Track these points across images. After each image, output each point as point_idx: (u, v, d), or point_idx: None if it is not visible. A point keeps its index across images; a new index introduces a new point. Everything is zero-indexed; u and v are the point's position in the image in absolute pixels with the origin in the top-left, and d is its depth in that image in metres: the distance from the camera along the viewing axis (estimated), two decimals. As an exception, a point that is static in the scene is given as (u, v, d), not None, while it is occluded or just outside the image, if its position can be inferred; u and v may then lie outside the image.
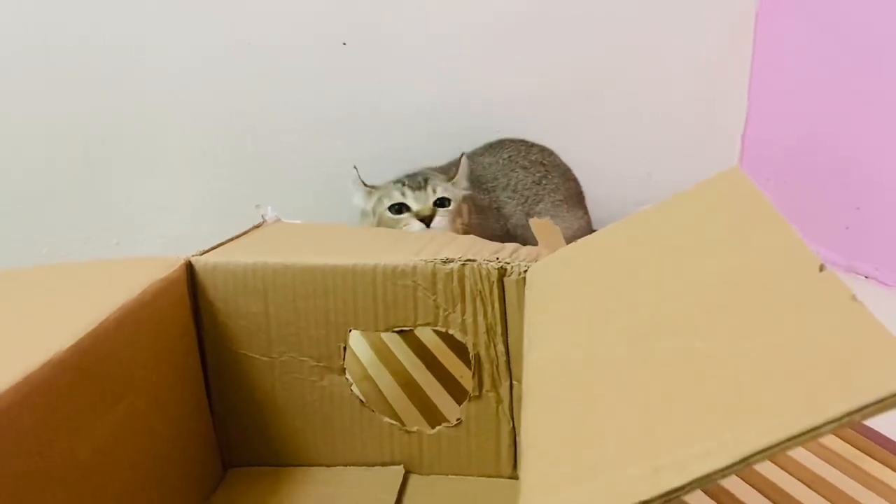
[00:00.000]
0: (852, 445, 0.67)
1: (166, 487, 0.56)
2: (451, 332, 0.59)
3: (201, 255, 0.60)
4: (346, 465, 0.63)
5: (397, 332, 0.74)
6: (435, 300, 0.58)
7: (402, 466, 0.62)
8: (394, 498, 0.59)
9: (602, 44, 1.12)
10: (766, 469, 0.65)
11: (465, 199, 0.92)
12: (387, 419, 0.62)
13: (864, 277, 1.05)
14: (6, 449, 0.39)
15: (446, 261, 0.57)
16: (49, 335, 0.44)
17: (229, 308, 0.60)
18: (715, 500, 0.61)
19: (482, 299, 0.58)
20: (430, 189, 0.88)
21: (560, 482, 0.31)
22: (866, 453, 0.67)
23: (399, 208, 0.87)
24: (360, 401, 0.61)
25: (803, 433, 0.26)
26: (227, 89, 0.99)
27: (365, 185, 0.91)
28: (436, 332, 0.61)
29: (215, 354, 0.61)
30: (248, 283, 0.59)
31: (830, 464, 0.65)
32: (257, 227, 0.71)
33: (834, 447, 0.67)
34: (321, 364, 0.60)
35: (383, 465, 0.63)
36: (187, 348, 0.60)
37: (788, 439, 0.26)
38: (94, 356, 0.46)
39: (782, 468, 0.65)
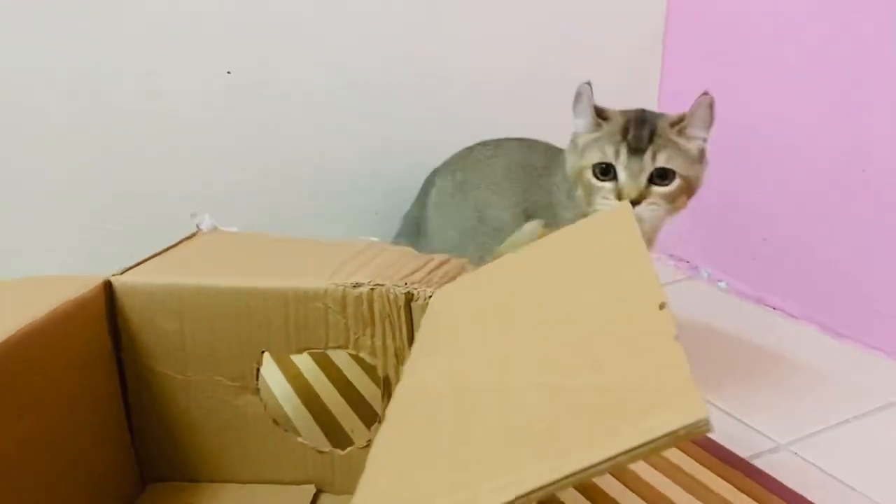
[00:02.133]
0: (694, 459, 0.71)
1: (81, 501, 0.58)
2: (361, 354, 0.60)
3: (121, 273, 0.61)
4: (260, 483, 0.64)
5: (310, 353, 0.75)
6: (346, 323, 0.60)
7: (313, 486, 0.64)
8: (300, 517, 0.60)
9: (505, 83, 1.10)
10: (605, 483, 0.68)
11: (697, 168, 0.71)
12: (300, 439, 0.63)
13: (772, 309, 1.06)
14: None
15: (356, 285, 0.59)
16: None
17: (147, 327, 0.61)
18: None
19: (391, 323, 0.59)
20: (648, 155, 0.69)
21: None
22: (706, 466, 0.70)
23: (605, 169, 0.70)
24: (274, 421, 0.63)
25: (580, 471, 0.27)
26: (107, 126, 0.90)
27: (597, 111, 0.73)
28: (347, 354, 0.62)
29: (134, 372, 0.62)
30: (165, 302, 0.60)
31: (670, 477, 0.69)
32: (191, 237, 0.72)
33: (675, 460, 0.71)
34: (236, 384, 0.62)
35: (296, 483, 0.64)
36: (105, 365, 0.61)
37: (567, 476, 0.27)
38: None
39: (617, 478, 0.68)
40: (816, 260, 0.99)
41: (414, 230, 0.97)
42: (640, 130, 0.70)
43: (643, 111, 0.74)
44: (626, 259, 0.43)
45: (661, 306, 0.37)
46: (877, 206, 0.91)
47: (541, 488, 0.27)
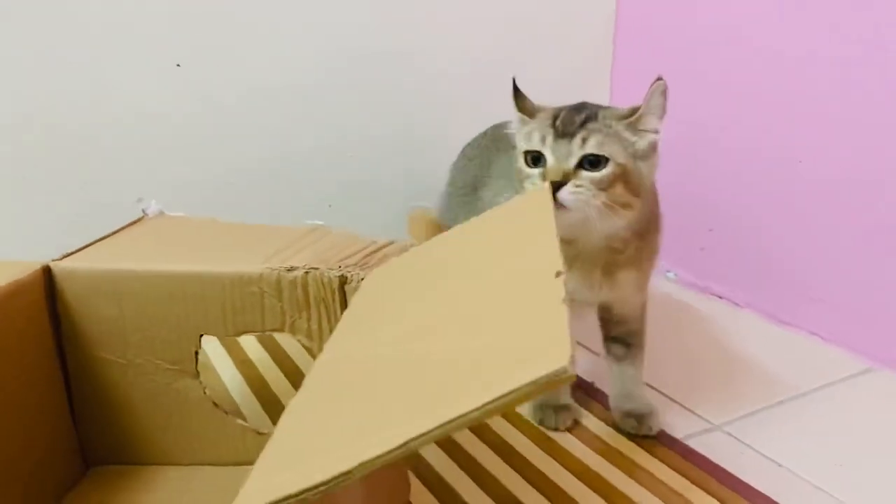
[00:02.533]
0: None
1: (18, 483, 0.58)
2: (297, 337, 0.62)
3: (61, 259, 0.62)
4: (201, 465, 0.65)
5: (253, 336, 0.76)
6: (281, 307, 0.61)
7: (252, 466, 0.64)
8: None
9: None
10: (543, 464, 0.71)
11: (636, 160, 0.66)
12: (239, 421, 0.65)
13: (718, 298, 1.08)
14: None
15: (291, 269, 0.60)
16: None
17: (86, 312, 0.62)
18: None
19: (326, 306, 0.61)
20: (578, 139, 0.64)
21: (278, 468, 0.34)
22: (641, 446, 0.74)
23: (537, 157, 0.66)
24: (213, 403, 0.64)
25: (455, 419, 0.29)
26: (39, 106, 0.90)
27: (525, 107, 0.70)
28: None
29: (74, 356, 0.63)
30: (103, 287, 0.61)
31: (604, 456, 0.72)
32: (136, 222, 0.73)
33: (613, 442, 0.74)
34: (175, 367, 0.63)
35: (236, 464, 0.65)
36: (45, 350, 0.62)
37: (439, 426, 0.29)
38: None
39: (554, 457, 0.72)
40: (760, 250, 1.02)
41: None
42: (571, 116, 0.66)
43: (583, 103, 0.70)
44: (535, 234, 0.45)
45: (557, 275, 0.38)
46: (813, 197, 0.94)
47: (417, 437, 0.28)
